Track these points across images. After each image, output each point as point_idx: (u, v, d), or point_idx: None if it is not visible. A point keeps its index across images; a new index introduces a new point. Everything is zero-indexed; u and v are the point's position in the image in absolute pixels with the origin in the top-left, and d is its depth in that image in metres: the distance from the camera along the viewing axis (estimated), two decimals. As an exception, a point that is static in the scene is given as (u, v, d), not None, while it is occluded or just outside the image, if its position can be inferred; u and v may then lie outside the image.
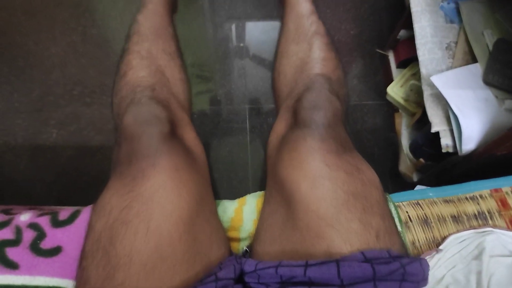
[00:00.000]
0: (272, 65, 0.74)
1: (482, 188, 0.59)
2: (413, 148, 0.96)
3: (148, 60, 0.59)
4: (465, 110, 0.75)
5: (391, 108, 1.12)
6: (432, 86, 0.81)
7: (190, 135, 0.55)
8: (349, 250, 0.38)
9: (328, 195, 0.42)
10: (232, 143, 1.10)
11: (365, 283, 0.36)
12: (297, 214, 0.42)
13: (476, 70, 0.80)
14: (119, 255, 0.39)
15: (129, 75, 0.56)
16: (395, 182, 1.04)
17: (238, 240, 0.55)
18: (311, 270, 0.37)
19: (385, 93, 1.10)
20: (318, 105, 0.51)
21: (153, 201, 0.42)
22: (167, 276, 0.39)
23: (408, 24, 0.95)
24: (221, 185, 1.04)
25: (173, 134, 0.50)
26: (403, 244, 0.43)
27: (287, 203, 0.44)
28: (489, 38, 0.82)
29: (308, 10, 0.68)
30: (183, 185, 0.44)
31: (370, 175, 0.45)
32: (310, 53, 0.61)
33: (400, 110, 1.07)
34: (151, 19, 0.66)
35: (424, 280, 0.39)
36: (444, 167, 0.87)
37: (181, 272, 0.40)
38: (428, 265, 0.40)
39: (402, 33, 1.07)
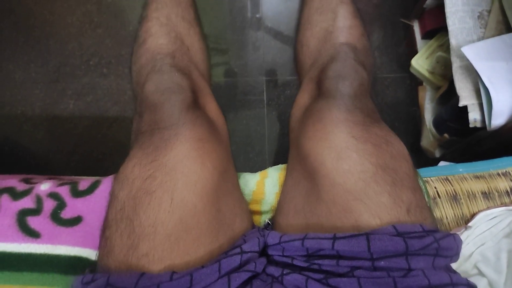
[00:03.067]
0: (293, 36, 0.72)
1: (515, 164, 0.57)
2: (437, 123, 0.93)
3: (167, 27, 0.57)
4: (496, 83, 0.71)
5: (414, 81, 1.09)
6: (462, 57, 0.77)
7: (212, 106, 0.54)
8: (379, 225, 0.37)
9: (355, 168, 0.40)
10: (249, 116, 1.08)
11: (397, 257, 0.34)
12: (322, 187, 0.41)
13: (511, 40, 0.76)
14: (144, 225, 0.38)
15: (148, 42, 0.55)
16: (416, 158, 1.01)
17: (260, 213, 0.54)
18: (340, 243, 0.36)
19: (409, 65, 1.06)
20: (344, 75, 0.49)
21: (177, 171, 0.41)
22: (192, 248, 0.38)
23: (437, -9, 0.90)
24: (238, 158, 1.03)
25: (195, 103, 0.49)
26: (434, 219, 0.41)
27: (311, 176, 0.43)
28: (526, 6, 0.77)
29: None
30: (207, 156, 0.43)
31: (399, 147, 0.43)
32: (335, 22, 0.59)
33: (424, 84, 1.04)
34: None
35: (457, 255, 0.38)
36: (470, 143, 0.84)
37: (205, 243, 0.39)
38: (461, 240, 0.39)
39: (429, 1, 1.01)
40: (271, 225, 0.49)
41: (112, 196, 0.42)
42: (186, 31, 0.60)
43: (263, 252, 0.42)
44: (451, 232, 0.51)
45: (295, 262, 0.38)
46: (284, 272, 0.37)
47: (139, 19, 0.60)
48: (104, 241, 0.40)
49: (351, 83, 0.49)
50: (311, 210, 0.42)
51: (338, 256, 0.36)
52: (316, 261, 0.37)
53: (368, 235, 0.35)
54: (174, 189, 0.40)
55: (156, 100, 0.47)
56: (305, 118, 0.49)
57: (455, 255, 0.37)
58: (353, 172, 0.40)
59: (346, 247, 0.35)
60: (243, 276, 0.36)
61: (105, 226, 0.41)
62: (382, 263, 0.35)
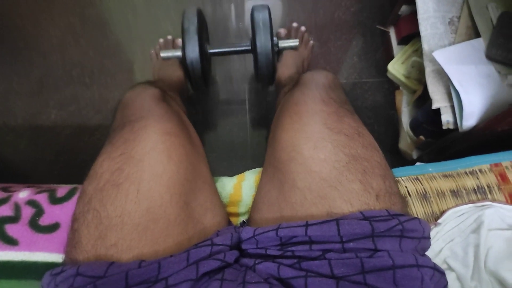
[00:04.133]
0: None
1: (482, 162, 0.59)
2: (414, 125, 0.95)
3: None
4: (467, 85, 0.74)
5: (392, 86, 1.11)
6: (434, 62, 0.79)
7: (183, 115, 0.57)
8: (350, 210, 0.39)
9: (330, 158, 0.42)
10: (232, 122, 1.09)
11: (364, 239, 0.36)
12: (297, 175, 0.43)
13: (479, 45, 0.78)
14: (111, 216, 0.39)
15: None
16: (394, 160, 1.03)
17: (237, 215, 0.56)
18: (312, 229, 0.37)
19: (386, 70, 1.09)
20: (318, 70, 0.54)
21: (144, 163, 0.42)
22: (160, 238, 0.39)
23: (409, -1, 0.93)
24: (221, 164, 1.04)
25: (165, 99, 0.51)
26: (404, 205, 0.43)
27: (286, 167, 0.45)
28: (493, 12, 0.80)
29: None
30: (174, 149, 0.44)
31: (370, 139, 0.46)
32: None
33: (400, 88, 1.06)
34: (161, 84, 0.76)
35: (425, 238, 0.39)
36: (444, 144, 0.86)
37: (173, 234, 0.40)
38: (428, 225, 0.40)
39: (404, 8, 1.04)
40: (246, 224, 0.51)
41: (81, 192, 0.43)
42: (170, 95, 0.66)
43: (238, 249, 0.43)
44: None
45: (269, 251, 0.39)
46: (257, 262, 0.38)
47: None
48: (72, 234, 0.40)
49: (325, 76, 0.53)
50: (285, 199, 0.43)
51: (311, 242, 0.38)
52: (289, 248, 0.38)
53: (338, 220, 0.37)
54: (141, 180, 0.41)
55: (128, 98, 0.50)
56: (281, 112, 0.51)
57: (422, 238, 0.39)
58: (328, 161, 0.42)
59: (318, 232, 0.37)
60: (212, 263, 0.37)
61: (73, 220, 0.41)
62: (351, 244, 0.36)
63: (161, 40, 1.02)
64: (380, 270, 0.34)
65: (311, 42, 1.03)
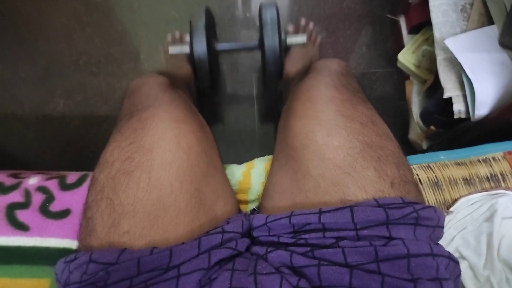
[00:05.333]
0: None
1: (495, 150, 0.58)
2: (424, 115, 0.94)
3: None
4: (479, 74, 0.72)
5: (402, 76, 1.10)
6: (445, 50, 0.78)
7: (190, 99, 0.57)
8: (364, 197, 0.39)
9: (344, 144, 0.42)
10: (239, 111, 1.09)
11: (379, 226, 0.36)
12: (311, 162, 0.42)
13: (493, 32, 0.77)
14: (123, 203, 0.39)
15: None
16: (404, 150, 1.01)
17: (247, 202, 0.55)
18: (325, 216, 0.37)
19: (396, 60, 1.07)
20: (330, 58, 0.54)
21: (153, 151, 0.42)
22: (171, 225, 0.39)
23: (421, -14, 0.91)
24: (228, 152, 1.04)
25: (172, 86, 0.51)
26: (419, 193, 0.42)
27: (299, 154, 0.44)
28: (507, -1, 0.79)
29: None
30: (183, 136, 0.44)
31: (384, 128, 0.45)
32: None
33: (411, 77, 1.05)
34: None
35: (439, 227, 0.39)
36: (455, 134, 0.85)
37: (184, 221, 0.40)
38: (443, 214, 0.40)
39: (415, -4, 1.03)
40: (257, 211, 0.50)
41: (93, 179, 0.43)
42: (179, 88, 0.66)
43: (249, 236, 0.43)
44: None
45: (281, 239, 0.39)
46: (269, 250, 0.38)
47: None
48: (85, 222, 0.41)
49: (338, 63, 0.53)
50: (299, 186, 0.43)
51: (324, 229, 0.37)
52: (302, 236, 0.38)
53: (352, 207, 0.37)
54: (151, 169, 0.41)
55: (135, 86, 0.50)
56: (293, 99, 0.51)
57: (437, 227, 0.38)
58: (342, 148, 0.42)
59: (332, 220, 0.37)
60: (224, 252, 0.37)
61: (86, 208, 0.42)
62: (365, 232, 0.36)
63: (169, 36, 1.02)
64: (394, 258, 0.34)
65: (319, 39, 1.02)
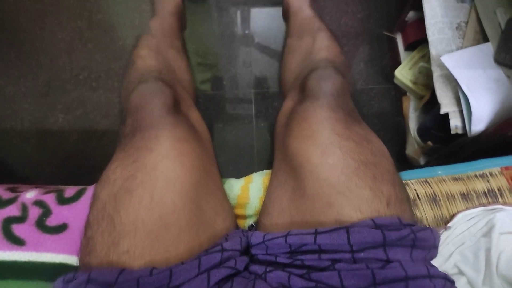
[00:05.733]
0: (279, 54, 0.78)
1: (492, 165, 0.58)
2: (421, 131, 0.95)
3: (156, 52, 0.63)
4: (475, 90, 0.73)
5: (399, 92, 1.11)
6: (442, 66, 0.79)
7: (194, 114, 0.57)
8: (359, 217, 0.38)
9: (339, 163, 0.42)
10: (238, 127, 1.09)
11: (376, 248, 0.36)
12: (307, 183, 0.42)
13: (488, 49, 0.78)
14: (124, 222, 0.39)
15: (138, 63, 0.60)
16: (402, 166, 1.02)
17: (245, 217, 0.55)
18: (321, 237, 0.37)
19: (393, 76, 1.08)
20: (325, 77, 0.52)
21: (157, 170, 0.42)
22: (172, 245, 0.39)
23: (417, 5, 0.93)
24: (227, 168, 1.04)
25: (176, 107, 0.51)
26: (413, 213, 0.42)
27: (296, 174, 0.44)
28: (502, 17, 0.80)
29: (310, 14, 0.76)
30: (186, 155, 0.44)
31: (379, 145, 0.45)
32: (314, 43, 0.66)
33: (408, 94, 1.06)
34: (161, 23, 0.74)
35: (435, 248, 0.39)
36: (452, 149, 0.85)
37: (185, 240, 0.40)
38: (438, 235, 0.40)
39: (411, 14, 1.05)
40: (255, 227, 0.50)
41: (94, 197, 0.43)
42: (173, 56, 0.66)
43: (247, 253, 0.43)
44: (431, 232, 0.52)
45: (278, 259, 0.38)
46: (268, 270, 0.37)
47: (132, 48, 0.66)
48: (85, 241, 0.40)
49: (333, 83, 0.52)
50: (296, 207, 0.43)
51: (320, 250, 0.37)
52: (299, 257, 0.38)
53: (348, 228, 0.36)
54: (154, 187, 0.41)
55: (139, 102, 0.49)
56: (290, 119, 0.51)
57: (433, 248, 0.38)
58: (337, 167, 0.41)
59: (328, 241, 0.36)
60: (223, 272, 0.36)
61: (87, 226, 0.41)
62: (361, 254, 0.36)
63: None
64: (392, 281, 0.33)
65: None
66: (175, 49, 0.69)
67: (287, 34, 0.79)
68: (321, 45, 0.64)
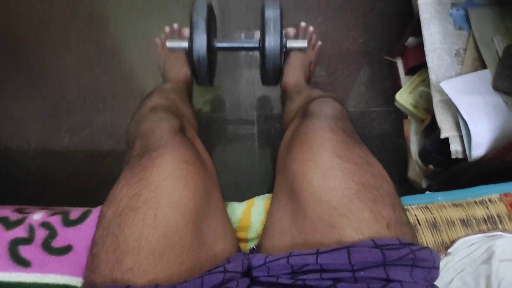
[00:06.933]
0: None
1: (492, 192, 0.59)
2: (422, 154, 0.96)
3: (165, 98, 0.69)
4: (474, 115, 0.74)
5: (400, 115, 1.12)
6: (441, 92, 0.81)
7: (198, 143, 0.59)
8: (360, 238, 0.39)
9: (340, 185, 0.42)
10: (240, 148, 1.11)
11: (376, 268, 0.36)
12: (308, 205, 0.43)
13: (486, 76, 0.80)
14: (128, 240, 0.39)
15: (148, 104, 0.65)
16: (403, 189, 1.03)
17: (246, 240, 0.56)
18: (323, 257, 0.37)
19: (394, 99, 1.10)
20: (326, 102, 0.55)
21: (161, 189, 0.43)
22: (175, 264, 0.40)
23: (416, 31, 0.95)
24: (228, 189, 1.05)
25: (183, 131, 0.53)
26: (414, 235, 0.43)
27: (298, 196, 0.45)
28: (499, 44, 0.82)
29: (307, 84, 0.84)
30: (190, 177, 0.45)
31: (379, 169, 0.46)
32: (312, 92, 0.71)
33: (409, 117, 1.07)
34: (171, 85, 0.79)
35: (435, 268, 0.39)
36: (454, 173, 0.86)
37: (187, 261, 0.41)
38: (438, 255, 0.40)
39: (411, 40, 1.07)
40: (256, 250, 0.51)
41: (101, 216, 0.44)
42: (181, 104, 0.70)
43: (248, 275, 0.43)
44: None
45: (280, 280, 0.39)
46: None
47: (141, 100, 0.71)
48: (91, 258, 0.41)
49: (333, 106, 0.54)
50: (298, 229, 0.43)
51: (322, 270, 0.38)
52: (300, 277, 0.38)
53: (348, 248, 0.37)
54: (158, 205, 0.41)
55: (149, 126, 0.51)
56: (291, 142, 0.52)
57: (432, 268, 0.39)
58: (338, 189, 0.42)
59: (329, 260, 0.37)
60: None
61: (92, 244, 0.42)
62: (362, 273, 0.36)
63: (166, 28, 0.98)
64: None
65: (319, 43, 1.01)
66: (182, 100, 0.73)
67: (285, 94, 0.85)
68: (318, 92, 0.69)
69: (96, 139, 1.12)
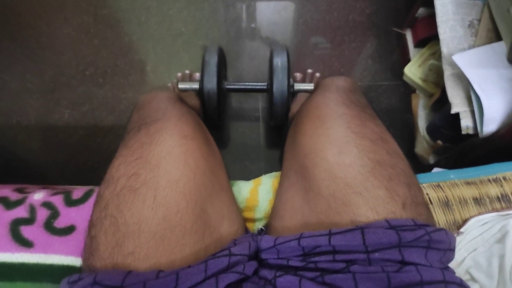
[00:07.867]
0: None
1: (506, 170, 0.57)
2: (431, 129, 0.94)
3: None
4: (487, 90, 0.72)
5: (408, 89, 1.09)
6: (453, 65, 0.78)
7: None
8: (375, 218, 0.38)
9: (356, 162, 0.41)
10: (244, 124, 1.08)
11: (391, 249, 0.35)
12: (322, 182, 0.41)
13: (501, 48, 0.77)
14: (128, 222, 0.38)
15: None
16: (411, 165, 1.01)
17: (254, 220, 0.55)
18: (336, 238, 0.36)
19: (402, 73, 1.07)
20: (337, 76, 0.53)
21: (160, 168, 0.41)
22: (177, 247, 0.38)
23: (427, 1, 0.91)
24: (233, 166, 1.04)
25: (182, 101, 0.50)
26: (430, 215, 0.41)
27: (310, 173, 0.43)
28: (515, 15, 0.78)
29: None
30: (190, 154, 0.43)
31: (394, 146, 0.44)
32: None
33: (417, 91, 1.05)
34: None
35: (451, 250, 0.38)
36: (463, 150, 0.84)
37: (190, 243, 0.39)
38: (454, 237, 0.39)
39: (421, 10, 1.03)
40: (264, 231, 0.49)
41: (98, 196, 0.42)
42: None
43: (256, 257, 0.42)
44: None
45: (291, 262, 0.38)
46: (277, 274, 0.37)
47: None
48: (89, 240, 0.40)
49: (345, 80, 0.52)
50: (310, 207, 0.42)
51: (334, 251, 0.36)
52: (312, 259, 0.37)
53: (362, 229, 0.36)
54: (157, 186, 0.40)
55: (145, 100, 0.49)
56: (302, 117, 0.50)
57: (448, 250, 0.38)
58: (354, 166, 0.41)
59: (342, 242, 0.36)
60: (231, 277, 0.36)
61: (90, 225, 0.41)
62: (376, 255, 0.35)
63: (179, 73, 1.02)
64: (407, 286, 0.33)
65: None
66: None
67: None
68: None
69: (97, 114, 1.10)
